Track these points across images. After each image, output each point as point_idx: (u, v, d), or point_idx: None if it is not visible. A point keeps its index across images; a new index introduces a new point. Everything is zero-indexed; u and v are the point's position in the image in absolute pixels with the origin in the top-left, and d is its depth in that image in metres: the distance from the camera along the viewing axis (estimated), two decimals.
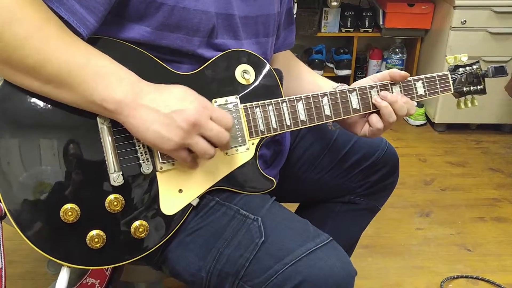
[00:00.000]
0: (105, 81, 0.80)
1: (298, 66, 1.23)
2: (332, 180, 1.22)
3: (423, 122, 2.96)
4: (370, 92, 1.03)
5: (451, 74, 1.09)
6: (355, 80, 3.10)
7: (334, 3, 2.90)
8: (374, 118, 1.03)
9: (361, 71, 3.15)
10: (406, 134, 2.86)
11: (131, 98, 0.80)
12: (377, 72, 1.09)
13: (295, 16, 1.24)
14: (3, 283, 0.88)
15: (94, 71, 0.79)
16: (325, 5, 2.94)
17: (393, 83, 1.04)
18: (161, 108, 0.81)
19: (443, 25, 2.71)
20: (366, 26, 2.99)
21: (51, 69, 0.78)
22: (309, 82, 1.19)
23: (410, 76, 1.05)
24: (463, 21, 2.58)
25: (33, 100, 0.83)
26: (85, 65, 0.79)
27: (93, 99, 0.80)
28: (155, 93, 0.82)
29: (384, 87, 1.03)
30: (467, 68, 1.11)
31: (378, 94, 1.03)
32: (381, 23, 2.94)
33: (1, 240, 0.89)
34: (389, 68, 3.01)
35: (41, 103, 0.83)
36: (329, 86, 1.13)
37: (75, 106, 0.82)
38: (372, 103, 1.03)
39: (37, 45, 0.77)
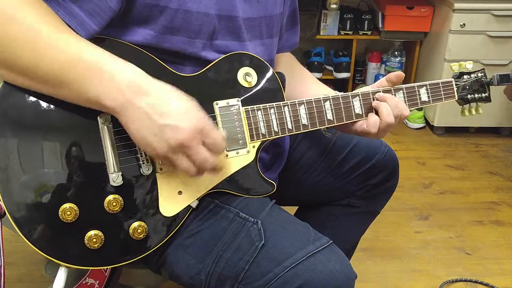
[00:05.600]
0: (98, 77, 0.78)
1: (301, 71, 1.23)
2: (331, 183, 1.21)
3: (422, 125, 2.96)
4: (373, 97, 1.03)
5: (455, 81, 1.09)
6: (354, 82, 3.12)
7: (333, 6, 2.90)
8: (373, 119, 1.01)
9: (360, 74, 3.15)
10: (405, 137, 2.86)
11: (126, 96, 0.78)
12: (375, 75, 1.09)
13: None
14: (2, 282, 0.88)
15: (86, 67, 0.78)
16: (324, 7, 2.94)
17: (397, 89, 1.04)
18: (156, 117, 0.79)
19: (442, 28, 2.72)
20: (365, 29, 2.99)
21: (44, 68, 0.77)
22: (311, 88, 1.18)
23: (406, 78, 1.04)
24: (462, 24, 2.59)
25: (34, 99, 0.82)
26: (76, 63, 0.77)
27: (88, 97, 0.79)
28: (154, 97, 0.79)
29: (387, 92, 1.03)
30: (472, 75, 1.10)
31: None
32: (380, 26, 2.94)
33: (0, 238, 0.89)
34: (388, 71, 3.05)
35: (42, 103, 0.83)
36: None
37: (76, 104, 0.82)
38: (374, 107, 1.03)
39: (28, 45, 0.76)
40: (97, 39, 0.84)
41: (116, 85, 0.78)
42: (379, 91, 1.03)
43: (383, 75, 3.07)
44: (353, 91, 1.04)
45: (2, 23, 0.75)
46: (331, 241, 0.92)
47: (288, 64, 1.21)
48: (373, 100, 1.03)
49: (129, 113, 0.79)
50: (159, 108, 0.79)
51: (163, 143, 0.79)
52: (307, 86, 1.18)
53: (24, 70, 0.78)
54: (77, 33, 0.81)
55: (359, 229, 1.31)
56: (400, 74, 1.03)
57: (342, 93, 1.05)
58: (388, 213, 2.11)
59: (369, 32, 3.01)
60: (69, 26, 0.80)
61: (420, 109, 2.92)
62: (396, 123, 1.02)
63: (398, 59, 3.06)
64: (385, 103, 1.01)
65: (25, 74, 0.79)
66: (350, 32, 3.00)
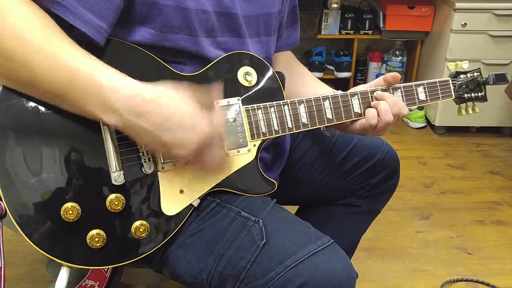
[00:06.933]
0: (96, 100, 0.78)
1: (300, 69, 1.23)
2: (332, 182, 1.21)
3: (423, 124, 2.96)
4: (371, 96, 1.03)
5: (452, 80, 1.10)
6: (355, 82, 3.11)
7: (334, 5, 2.90)
8: (371, 111, 1.02)
9: (361, 74, 3.14)
10: (406, 137, 2.86)
11: (126, 118, 0.79)
12: (376, 74, 1.09)
13: None
14: (2, 284, 0.88)
15: (84, 91, 0.78)
16: (325, 7, 2.94)
17: (395, 88, 1.05)
18: (159, 134, 0.80)
19: (444, 28, 2.71)
20: (366, 29, 2.99)
21: (43, 85, 0.78)
22: (309, 86, 1.18)
23: (404, 79, 1.05)
24: (463, 23, 2.58)
25: (35, 100, 0.82)
26: (74, 83, 0.77)
27: (89, 114, 0.80)
28: (154, 115, 0.79)
29: (386, 91, 1.04)
30: (468, 74, 1.12)
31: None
32: (381, 25, 2.94)
33: (0, 239, 0.88)
34: (389, 71, 3.05)
35: (43, 103, 0.82)
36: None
37: None
38: (373, 106, 1.03)
39: (21, 61, 0.76)
40: None
41: (114, 109, 0.79)
42: (377, 90, 1.03)
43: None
44: (351, 90, 1.04)
45: None
46: (332, 240, 0.92)
47: (287, 62, 1.21)
48: (372, 99, 1.03)
49: (132, 131, 0.81)
50: (162, 126, 0.80)
51: (179, 150, 0.82)
52: (305, 85, 1.19)
53: (23, 83, 0.79)
54: (93, 39, 0.81)
55: (360, 229, 1.31)
56: (396, 75, 1.03)
57: (340, 91, 1.05)
58: (389, 212, 2.11)
59: (370, 32, 3.00)
60: (85, 34, 0.80)
61: (421, 109, 2.92)
62: (394, 121, 1.02)
63: (399, 58, 3.06)
64: (383, 101, 1.01)
65: (25, 86, 0.79)
66: (351, 32, 3.00)
